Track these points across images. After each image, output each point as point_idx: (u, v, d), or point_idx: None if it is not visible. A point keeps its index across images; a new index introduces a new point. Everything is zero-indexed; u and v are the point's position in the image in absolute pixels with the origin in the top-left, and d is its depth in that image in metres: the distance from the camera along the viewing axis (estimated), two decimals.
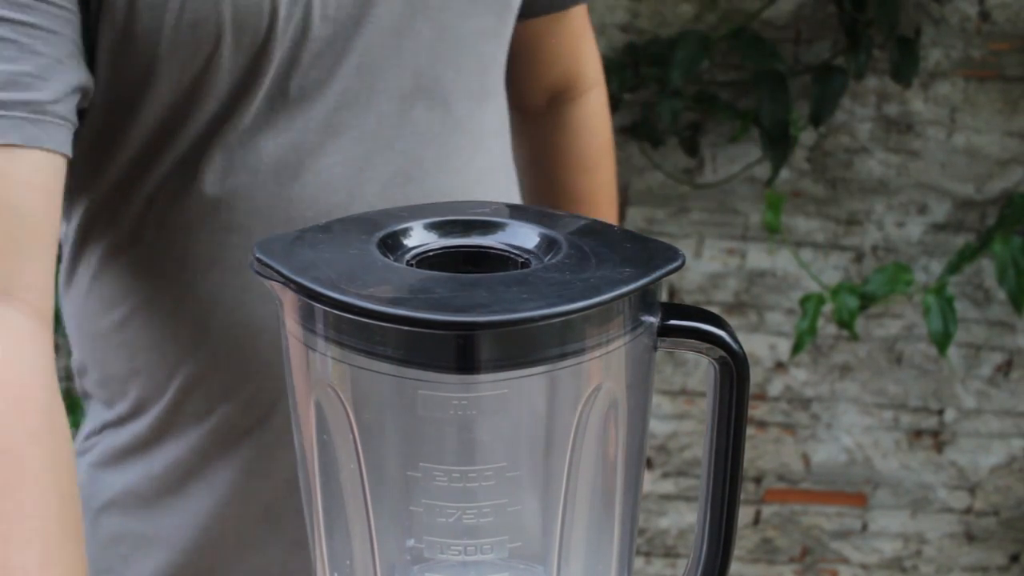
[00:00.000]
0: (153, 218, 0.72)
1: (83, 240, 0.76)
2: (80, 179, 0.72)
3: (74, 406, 1.05)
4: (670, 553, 2.00)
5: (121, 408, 0.78)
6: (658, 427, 1.93)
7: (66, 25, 0.63)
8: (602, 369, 0.44)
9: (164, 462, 0.77)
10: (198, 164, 0.70)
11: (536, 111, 0.97)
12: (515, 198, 0.84)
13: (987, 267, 1.83)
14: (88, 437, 0.81)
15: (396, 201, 0.71)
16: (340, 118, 0.70)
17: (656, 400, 1.90)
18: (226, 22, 0.65)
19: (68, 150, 0.64)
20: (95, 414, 0.81)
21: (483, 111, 0.78)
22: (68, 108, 0.63)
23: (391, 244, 0.48)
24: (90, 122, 0.69)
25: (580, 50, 0.97)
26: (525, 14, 0.87)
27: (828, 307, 1.72)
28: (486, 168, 0.78)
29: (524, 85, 0.94)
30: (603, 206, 0.99)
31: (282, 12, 0.66)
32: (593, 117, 0.99)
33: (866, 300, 1.70)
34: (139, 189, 0.72)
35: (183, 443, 0.76)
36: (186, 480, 0.76)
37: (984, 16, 1.75)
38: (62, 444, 0.60)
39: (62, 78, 0.62)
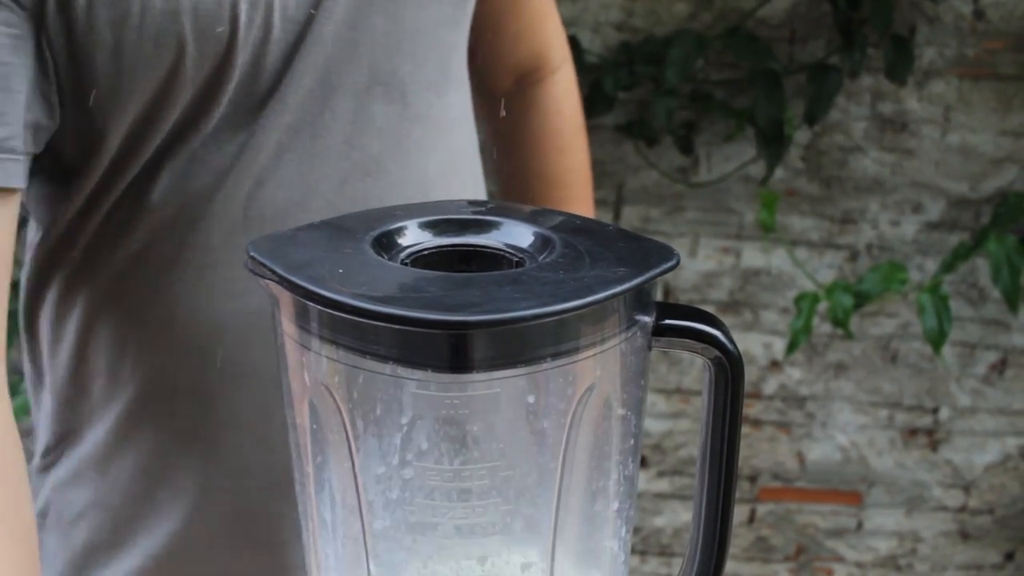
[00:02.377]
0: (117, 219, 0.71)
1: (50, 252, 0.75)
2: (48, 198, 0.72)
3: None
4: (665, 552, 2.00)
5: (81, 413, 0.77)
6: (653, 426, 1.93)
7: (17, 52, 0.62)
8: (596, 369, 0.44)
9: (129, 471, 0.76)
10: (161, 168, 0.70)
11: (504, 94, 0.95)
12: (480, 189, 0.82)
13: (981, 266, 1.84)
14: (48, 453, 0.80)
15: (355, 198, 0.71)
16: (300, 117, 0.70)
17: (651, 399, 1.90)
18: (187, 33, 0.64)
19: (23, 183, 0.63)
20: (55, 422, 0.79)
21: (444, 102, 0.76)
22: (24, 141, 0.63)
23: (385, 243, 0.48)
24: (55, 147, 0.68)
25: (544, 29, 0.95)
26: None
27: (823, 306, 1.72)
28: (448, 160, 0.77)
29: (490, 68, 0.93)
30: (578, 186, 0.98)
31: (243, 19, 0.65)
32: (562, 97, 0.97)
33: (861, 299, 1.71)
34: (106, 199, 0.71)
35: (145, 449, 0.75)
36: (152, 488, 0.76)
37: (978, 15, 1.75)
38: (8, 449, 0.60)
39: (14, 110, 0.61)
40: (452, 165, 0.78)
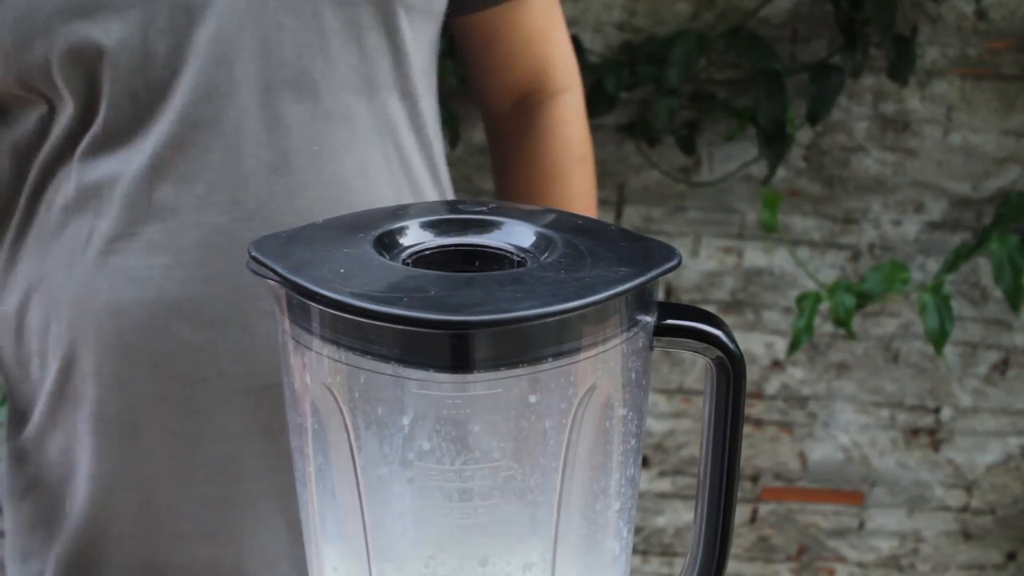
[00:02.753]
0: (32, 202, 0.76)
1: None
2: None
3: None
4: (667, 552, 2.00)
5: (24, 394, 0.80)
6: (655, 425, 1.93)
7: None
8: (598, 369, 0.44)
9: (56, 451, 0.78)
10: (69, 162, 0.73)
11: (502, 115, 0.93)
12: (405, 196, 0.81)
13: (983, 266, 1.83)
14: (6, 429, 0.83)
15: (261, 194, 0.72)
16: (200, 111, 0.71)
17: (653, 398, 1.90)
18: (58, 55, 0.69)
19: None
20: (10, 400, 0.82)
21: (366, 105, 0.76)
22: None
23: (387, 243, 0.48)
24: None
25: (546, 48, 0.91)
26: (476, 5, 0.85)
27: (825, 306, 1.72)
28: (367, 163, 0.77)
29: (487, 87, 0.91)
30: None
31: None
32: (561, 124, 0.93)
33: (863, 299, 1.70)
34: (18, 190, 0.76)
35: (67, 430, 0.77)
36: (74, 469, 0.78)
37: (981, 15, 1.75)
38: None
39: None
40: (373, 168, 0.77)
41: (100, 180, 0.73)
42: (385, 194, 0.78)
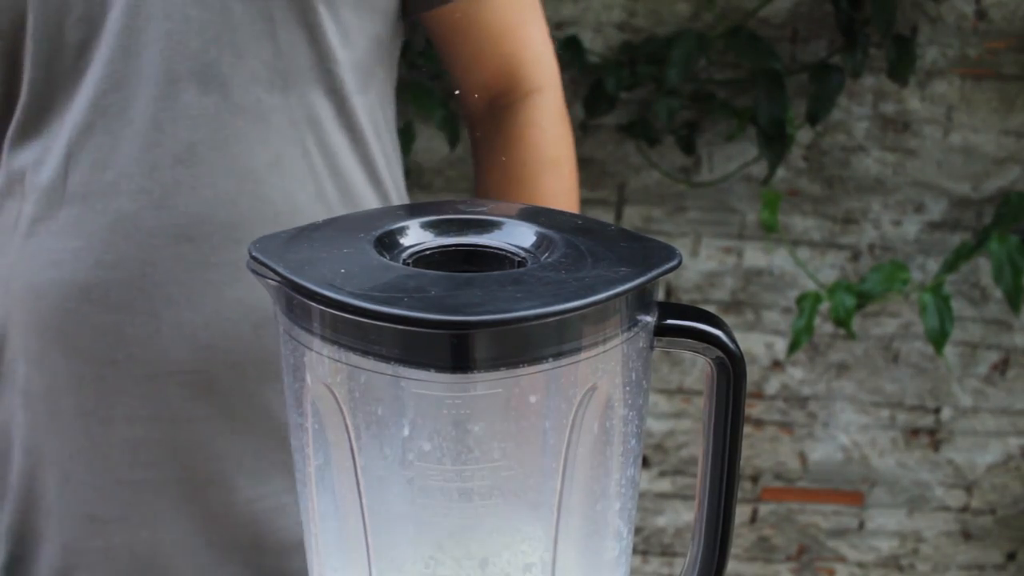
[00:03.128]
0: None
1: None
2: None
3: None
4: (667, 552, 2.00)
5: None
6: (655, 425, 1.93)
7: None
8: (598, 369, 0.44)
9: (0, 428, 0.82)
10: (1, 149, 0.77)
11: (478, 116, 0.91)
12: (329, 192, 0.80)
13: (983, 266, 1.83)
14: None
15: (166, 183, 0.74)
16: (108, 100, 0.74)
17: (653, 398, 1.90)
18: None
19: None
20: None
21: (281, 99, 0.77)
22: None
23: (387, 243, 0.47)
24: None
25: (515, 47, 0.87)
26: (430, 2, 0.84)
27: (825, 306, 1.72)
28: (282, 157, 0.77)
29: (460, 87, 0.90)
30: None
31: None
32: (529, 126, 0.88)
33: (863, 299, 1.70)
34: None
35: (5, 404, 0.80)
36: (12, 442, 0.80)
37: (981, 15, 1.75)
38: None
39: None
40: (286, 162, 0.77)
41: (24, 165, 0.76)
42: (304, 188, 0.78)
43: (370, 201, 0.83)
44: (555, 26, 1.73)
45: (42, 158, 0.75)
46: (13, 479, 0.81)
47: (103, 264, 0.75)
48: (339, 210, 0.80)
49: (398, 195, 0.87)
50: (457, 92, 0.92)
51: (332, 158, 0.80)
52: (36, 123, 0.76)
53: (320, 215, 0.78)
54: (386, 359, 0.41)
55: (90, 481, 0.78)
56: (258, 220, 0.76)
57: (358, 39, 0.80)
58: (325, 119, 0.79)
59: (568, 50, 1.69)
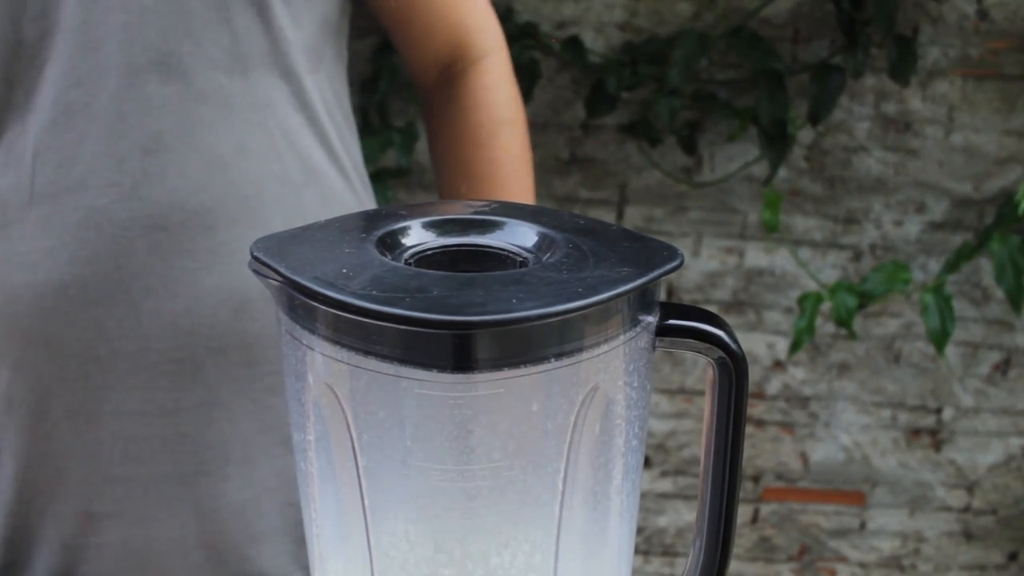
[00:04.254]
0: None
1: None
2: None
3: None
4: (668, 552, 2.00)
5: None
6: (656, 425, 1.93)
7: None
8: (600, 369, 0.44)
9: None
10: None
11: (429, 88, 0.93)
12: (294, 173, 0.82)
13: (985, 266, 1.83)
14: None
15: (135, 175, 0.75)
16: (71, 97, 0.74)
17: (654, 398, 1.90)
18: None
19: None
20: None
21: (241, 84, 0.77)
22: None
23: (389, 243, 0.48)
24: None
25: (462, 17, 0.91)
26: None
27: (826, 306, 1.72)
28: (245, 141, 0.78)
29: (411, 61, 0.92)
30: (500, 181, 0.93)
31: None
32: (481, 89, 0.92)
33: (864, 299, 1.70)
34: None
35: None
36: (1, 448, 0.80)
37: (982, 15, 1.75)
38: None
39: None
40: (252, 147, 0.78)
41: None
42: (270, 170, 0.79)
43: (331, 178, 0.84)
44: (556, 26, 1.74)
45: (7, 160, 0.75)
46: (4, 485, 0.80)
47: (77, 260, 0.75)
48: (303, 190, 0.81)
49: (356, 171, 0.89)
50: (408, 68, 0.94)
51: (292, 139, 0.81)
52: (1, 126, 0.75)
53: (286, 196, 0.80)
54: (388, 359, 0.41)
55: (84, 479, 0.78)
56: (228, 205, 0.77)
57: (308, 22, 0.81)
58: (282, 101, 0.80)
59: (569, 50, 1.69)
